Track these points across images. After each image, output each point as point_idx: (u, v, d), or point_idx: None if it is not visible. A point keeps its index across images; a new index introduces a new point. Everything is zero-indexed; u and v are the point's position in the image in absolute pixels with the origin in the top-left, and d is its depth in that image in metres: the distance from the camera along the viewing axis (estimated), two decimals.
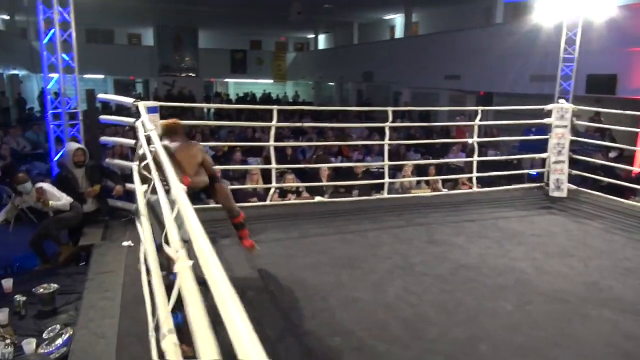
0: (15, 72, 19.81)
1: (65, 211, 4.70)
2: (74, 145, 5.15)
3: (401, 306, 3.42)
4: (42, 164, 8.70)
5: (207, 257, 1.10)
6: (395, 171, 7.94)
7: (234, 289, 1.02)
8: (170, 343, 1.11)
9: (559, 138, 6.48)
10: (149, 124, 3.20)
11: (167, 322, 1.26)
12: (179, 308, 2.70)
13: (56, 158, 5.89)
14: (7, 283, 3.91)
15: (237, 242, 4.39)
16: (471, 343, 2.98)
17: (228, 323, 0.87)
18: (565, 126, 6.45)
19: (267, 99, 26.40)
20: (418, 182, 7.24)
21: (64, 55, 5.59)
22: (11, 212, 4.74)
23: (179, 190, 1.57)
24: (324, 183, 6.66)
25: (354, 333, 3.03)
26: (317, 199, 6.26)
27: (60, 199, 4.70)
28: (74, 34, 5.55)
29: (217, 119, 16.86)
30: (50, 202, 4.59)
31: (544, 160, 6.68)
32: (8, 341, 3.04)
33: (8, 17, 21.53)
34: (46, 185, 4.74)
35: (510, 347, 2.96)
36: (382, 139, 6.34)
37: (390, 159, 6.20)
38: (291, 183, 6.31)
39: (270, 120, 5.66)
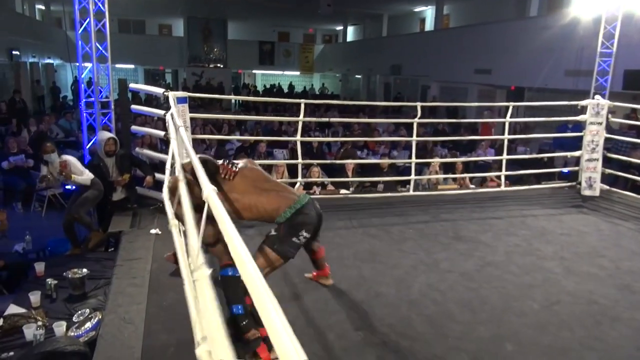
0: (50, 61, 20.31)
1: (87, 188, 4.83)
2: (106, 135, 5.26)
3: (425, 303, 3.39)
4: (75, 152, 8.94)
5: (247, 266, 1.09)
6: (421, 166, 7.86)
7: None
8: (204, 351, 1.12)
9: (593, 135, 6.29)
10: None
11: (200, 329, 1.27)
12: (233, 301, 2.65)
13: (88, 146, 6.03)
14: (40, 267, 4.03)
15: (260, 232, 4.42)
16: (496, 342, 2.94)
17: (271, 333, 0.88)
18: (600, 123, 6.26)
19: (290, 91, 26.46)
20: (445, 178, 7.15)
21: (98, 45, 5.70)
22: (46, 174, 4.89)
23: (210, 191, 1.53)
24: (350, 178, 6.64)
25: (377, 328, 3.02)
26: (342, 192, 6.25)
27: (83, 173, 4.84)
28: (107, 24, 5.66)
29: (244, 109, 17.02)
30: (73, 176, 4.73)
31: (577, 158, 6.50)
32: (40, 323, 3.14)
33: (44, 7, 22.06)
34: (71, 159, 4.89)
35: (537, 348, 2.90)
36: (409, 133, 6.27)
37: (417, 154, 6.13)
38: (317, 176, 6.31)
39: (297, 111, 5.65)
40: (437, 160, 7.13)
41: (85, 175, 4.84)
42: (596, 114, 6.25)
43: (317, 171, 6.36)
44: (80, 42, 5.65)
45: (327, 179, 6.49)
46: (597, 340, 3.01)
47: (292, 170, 6.19)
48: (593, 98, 6.56)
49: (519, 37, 13.30)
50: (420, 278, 3.77)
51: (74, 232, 4.88)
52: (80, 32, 5.61)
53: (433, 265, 4.03)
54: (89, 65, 5.74)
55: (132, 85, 6.15)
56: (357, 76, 27.00)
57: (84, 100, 5.84)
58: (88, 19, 5.53)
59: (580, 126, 6.71)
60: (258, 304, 0.94)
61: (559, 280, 3.84)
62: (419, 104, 5.96)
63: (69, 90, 20.52)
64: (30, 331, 3.02)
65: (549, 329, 3.11)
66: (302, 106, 5.55)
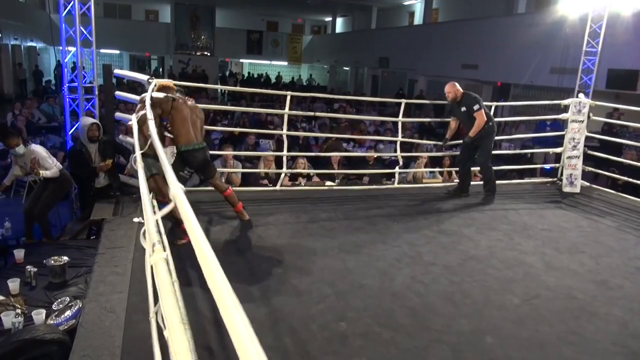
0: (33, 44, 19.88)
1: (55, 180, 4.80)
2: (89, 120, 5.18)
3: (408, 295, 3.42)
4: (57, 137, 8.79)
5: (209, 262, 1.08)
6: (407, 161, 7.89)
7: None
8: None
9: (575, 133, 6.38)
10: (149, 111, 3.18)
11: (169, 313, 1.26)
12: None
13: (71, 131, 5.93)
14: (19, 253, 3.97)
15: (248, 224, 4.43)
16: (477, 335, 2.98)
17: (229, 327, 0.87)
18: (582, 121, 6.34)
19: (277, 82, 26.27)
20: (431, 171, 7.20)
21: (82, 29, 5.59)
22: (18, 171, 4.86)
23: (178, 190, 1.52)
24: (335, 170, 6.64)
25: (360, 319, 3.04)
26: (328, 184, 6.25)
27: (52, 167, 4.79)
28: (93, 8, 5.55)
29: (230, 98, 16.89)
30: (42, 172, 4.69)
31: (557, 154, 6.59)
32: (18, 311, 3.09)
33: None
34: (39, 151, 4.80)
35: (516, 341, 2.95)
36: (395, 126, 6.31)
37: (403, 149, 6.17)
38: (302, 167, 6.30)
39: (284, 101, 5.63)
40: (425, 154, 7.18)
41: (54, 169, 4.78)
42: (578, 112, 6.33)
43: (302, 162, 6.35)
44: (64, 25, 5.53)
45: (312, 170, 6.49)
46: (575, 334, 3.07)
47: (278, 161, 6.18)
48: (577, 96, 6.64)
49: (506, 34, 13.39)
50: (404, 270, 3.80)
51: (48, 225, 4.83)
52: (64, 15, 5.49)
53: (417, 258, 4.06)
54: (72, 49, 5.63)
55: (116, 71, 6.05)
56: (344, 68, 26.95)
57: (66, 85, 5.74)
58: (72, 2, 5.41)
59: (558, 123, 6.79)
60: (220, 304, 0.93)
61: (539, 275, 3.90)
62: (402, 101, 6.01)
63: (52, 74, 20.12)
64: (9, 319, 2.97)
65: (528, 323, 3.16)
66: (288, 99, 5.53)
